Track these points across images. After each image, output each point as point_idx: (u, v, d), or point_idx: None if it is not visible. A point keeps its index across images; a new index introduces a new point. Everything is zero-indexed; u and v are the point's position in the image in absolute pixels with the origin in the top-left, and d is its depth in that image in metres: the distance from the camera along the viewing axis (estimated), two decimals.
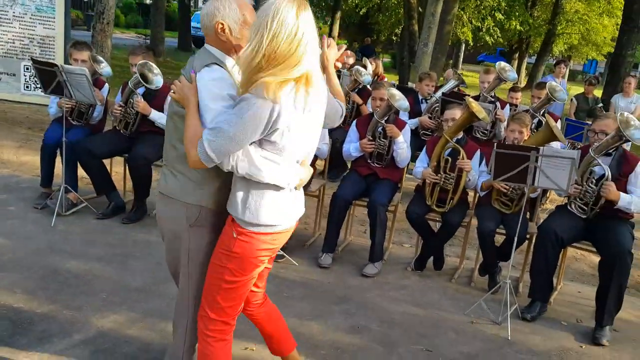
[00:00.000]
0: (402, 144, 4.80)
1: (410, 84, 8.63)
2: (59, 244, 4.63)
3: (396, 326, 3.88)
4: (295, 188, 2.44)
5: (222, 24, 2.36)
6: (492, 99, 6.26)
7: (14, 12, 7.56)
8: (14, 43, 7.65)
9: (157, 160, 5.28)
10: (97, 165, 5.28)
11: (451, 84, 6.41)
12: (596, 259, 5.42)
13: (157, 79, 5.09)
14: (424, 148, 4.93)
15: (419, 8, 16.06)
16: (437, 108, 6.35)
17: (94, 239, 4.79)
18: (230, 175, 2.38)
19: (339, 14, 26.73)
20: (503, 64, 6.35)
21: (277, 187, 2.34)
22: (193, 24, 25.75)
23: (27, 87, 7.82)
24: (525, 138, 4.58)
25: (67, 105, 5.21)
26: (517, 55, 28.88)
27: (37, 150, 5.55)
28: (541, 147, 3.85)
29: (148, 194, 5.38)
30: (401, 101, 4.73)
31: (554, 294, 4.62)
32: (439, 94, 6.37)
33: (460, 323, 4.02)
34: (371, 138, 4.86)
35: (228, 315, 2.54)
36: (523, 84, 24.10)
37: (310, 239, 5.28)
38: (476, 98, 6.13)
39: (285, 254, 4.71)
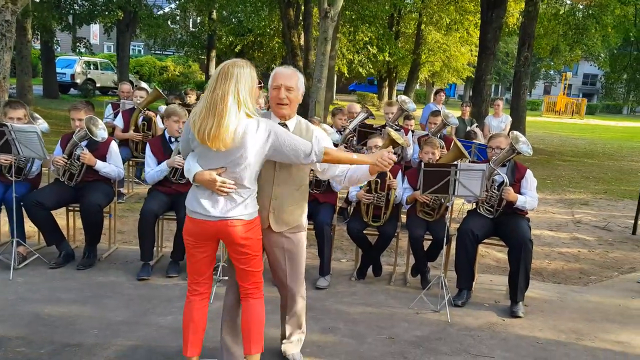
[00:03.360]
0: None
1: (317, 118, 9.41)
2: (27, 294, 4.86)
3: (359, 323, 4.61)
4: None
5: None
6: (397, 127, 7.24)
7: None
8: None
9: (106, 206, 5.69)
10: (46, 217, 5.50)
11: (361, 116, 7.28)
12: (498, 255, 6.52)
13: (101, 132, 5.50)
14: None
15: (301, 45, 17.10)
16: (350, 138, 7.21)
17: (58, 285, 5.08)
18: None
19: (214, 52, 27.26)
20: (403, 97, 7.38)
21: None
22: (58, 69, 25.23)
23: None
24: (437, 158, 5.52)
25: (5, 162, 5.41)
26: (386, 83, 30.88)
27: None
28: (458, 163, 4.79)
29: (99, 239, 5.72)
30: (333, 135, 5.51)
31: (474, 283, 5.56)
32: (351, 126, 7.23)
33: (408, 314, 4.83)
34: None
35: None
36: None
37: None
38: (383, 127, 7.08)
39: None
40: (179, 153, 5.41)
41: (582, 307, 5.28)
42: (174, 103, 6.32)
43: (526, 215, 5.34)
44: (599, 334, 4.70)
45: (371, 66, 23.87)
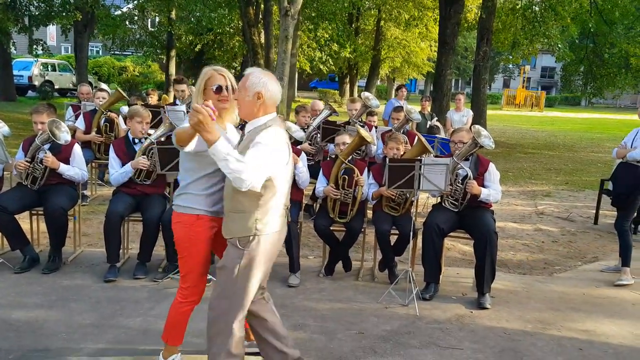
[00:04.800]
0: (302, 168, 5.60)
1: (280, 115, 9.39)
2: None
3: (328, 319, 4.64)
4: None
5: None
6: (361, 124, 7.28)
7: None
8: None
9: (71, 209, 5.62)
10: (10, 221, 5.41)
11: (325, 113, 7.30)
12: (464, 247, 6.62)
13: (64, 135, 5.44)
14: (321, 170, 5.74)
15: (261, 43, 17.07)
16: (314, 135, 7.24)
17: (23, 290, 5.01)
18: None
19: (174, 52, 26.98)
20: (366, 93, 7.43)
21: None
22: (15, 72, 24.73)
23: None
24: (402, 153, 5.57)
25: None
26: (348, 79, 31.02)
27: None
28: (423, 158, 4.84)
29: (64, 242, 5.64)
30: (297, 132, 5.53)
31: (441, 276, 5.63)
32: (315, 123, 7.25)
33: (377, 309, 4.88)
34: None
35: None
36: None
37: None
38: (347, 123, 7.11)
39: (212, 278, 5.26)
40: (143, 154, 5.36)
41: (548, 297, 5.39)
42: (136, 104, 6.25)
43: (490, 208, 5.43)
44: (565, 323, 4.81)
45: (332, 63, 23.97)
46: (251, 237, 3.16)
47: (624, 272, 5.84)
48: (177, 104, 7.64)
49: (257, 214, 3.14)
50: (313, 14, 20.42)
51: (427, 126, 10.13)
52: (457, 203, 5.32)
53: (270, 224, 3.20)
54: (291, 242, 5.35)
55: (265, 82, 3.17)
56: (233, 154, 2.89)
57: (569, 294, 5.47)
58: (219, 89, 3.39)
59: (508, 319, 4.84)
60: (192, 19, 24.94)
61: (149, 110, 5.74)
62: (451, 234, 5.44)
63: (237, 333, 3.27)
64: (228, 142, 3.04)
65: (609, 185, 6.08)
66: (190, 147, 3.23)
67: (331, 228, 5.51)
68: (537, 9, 18.95)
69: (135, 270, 5.40)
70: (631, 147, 5.80)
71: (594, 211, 8.50)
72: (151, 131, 5.70)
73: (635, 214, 6.15)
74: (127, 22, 24.33)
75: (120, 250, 5.55)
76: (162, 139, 5.47)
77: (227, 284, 3.24)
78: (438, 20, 17.48)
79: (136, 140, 5.58)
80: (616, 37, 18.76)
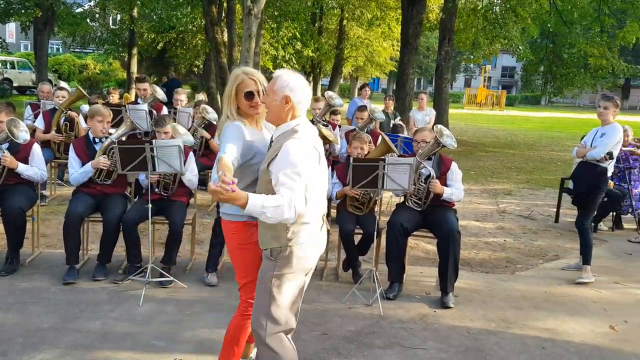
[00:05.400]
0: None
1: None
2: None
3: None
4: None
5: None
6: (324, 123, 7.27)
7: None
8: None
9: (29, 210, 5.49)
10: None
11: None
12: (428, 246, 6.66)
13: (23, 134, 5.31)
14: None
15: (224, 42, 16.91)
16: None
17: None
18: None
19: (135, 50, 26.61)
20: (330, 92, 7.42)
21: None
22: None
23: None
24: (366, 152, 5.58)
25: None
26: (311, 78, 31.00)
27: None
28: (386, 157, 4.85)
29: (22, 244, 5.51)
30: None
31: (405, 275, 5.65)
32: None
33: (341, 309, 4.87)
34: None
35: None
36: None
37: (189, 264, 5.80)
38: (311, 122, 7.09)
39: (174, 279, 5.21)
40: (104, 153, 5.27)
41: (510, 295, 5.46)
42: (97, 103, 6.15)
43: (453, 207, 5.47)
44: (527, 322, 4.86)
45: (295, 62, 23.89)
46: (283, 248, 3.00)
47: (584, 270, 5.94)
48: (139, 103, 7.52)
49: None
50: (276, 13, 20.34)
51: (391, 125, 10.18)
52: (420, 202, 5.35)
53: (303, 233, 3.02)
54: None
55: (293, 86, 2.99)
56: (268, 203, 2.72)
57: (531, 293, 5.55)
58: (251, 95, 3.27)
59: (471, 318, 4.88)
60: (155, 17, 24.62)
61: (110, 109, 5.64)
62: (415, 233, 5.47)
63: (281, 352, 3.14)
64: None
65: (569, 184, 6.19)
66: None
67: None
68: (497, 9, 19.21)
69: (95, 272, 5.29)
70: (591, 146, 5.89)
71: (555, 210, 8.64)
72: (112, 130, 5.60)
73: (596, 212, 6.27)
74: (88, 20, 23.90)
75: (80, 252, 5.43)
76: (123, 139, 5.38)
77: (263, 300, 3.10)
78: (400, 20, 17.57)
79: (97, 140, 5.48)
80: (575, 38, 19.13)
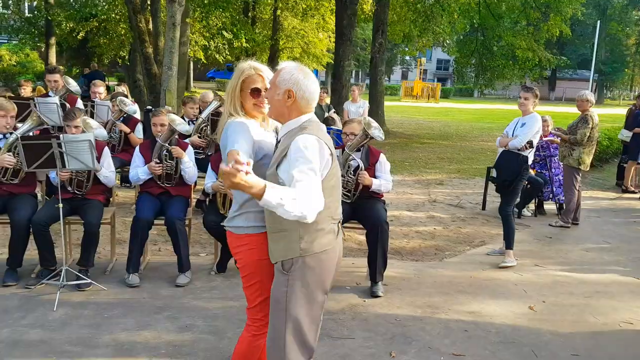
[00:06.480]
0: (189, 162, 5.36)
1: (168, 107, 8.97)
2: None
3: (219, 318, 4.46)
4: None
5: None
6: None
7: None
8: None
9: None
10: None
11: (213, 105, 7.02)
12: (360, 237, 6.59)
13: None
14: (209, 164, 5.50)
15: (149, 30, 16.32)
16: (204, 128, 6.98)
17: None
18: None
19: (53, 39, 25.42)
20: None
21: None
22: None
23: None
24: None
25: None
26: None
27: None
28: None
29: None
30: (182, 125, 5.27)
31: None
32: (204, 115, 6.98)
33: None
34: (158, 161, 5.32)
35: None
36: None
37: (110, 265, 5.54)
38: None
39: (92, 282, 4.95)
40: (8, 151, 4.94)
41: (437, 281, 5.48)
42: (3, 96, 5.77)
43: (382, 198, 5.42)
44: (453, 306, 4.91)
45: (228, 52, 23.38)
46: (295, 260, 2.70)
47: (507, 254, 6.09)
48: (50, 95, 7.12)
49: (301, 231, 2.66)
50: (205, 1, 19.76)
51: (324, 117, 10.08)
52: (349, 194, 5.26)
53: (317, 242, 2.70)
54: (178, 241, 5.12)
55: (297, 79, 2.70)
56: (285, 195, 2.36)
57: (457, 278, 5.60)
58: (257, 92, 3.00)
59: (399, 305, 4.86)
60: (74, 4, 23.46)
61: (15, 102, 5.30)
62: (346, 224, 5.37)
63: None
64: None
65: (494, 173, 6.27)
66: None
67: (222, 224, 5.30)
68: (428, 2, 19.41)
69: (5, 277, 4.97)
70: (512, 136, 5.97)
71: (482, 197, 8.74)
72: (19, 125, 5.28)
73: (519, 199, 6.36)
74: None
75: None
76: (31, 134, 5.07)
77: (278, 319, 2.76)
78: (335, 10, 17.48)
79: (0, 136, 5.14)
80: (503, 31, 19.54)
